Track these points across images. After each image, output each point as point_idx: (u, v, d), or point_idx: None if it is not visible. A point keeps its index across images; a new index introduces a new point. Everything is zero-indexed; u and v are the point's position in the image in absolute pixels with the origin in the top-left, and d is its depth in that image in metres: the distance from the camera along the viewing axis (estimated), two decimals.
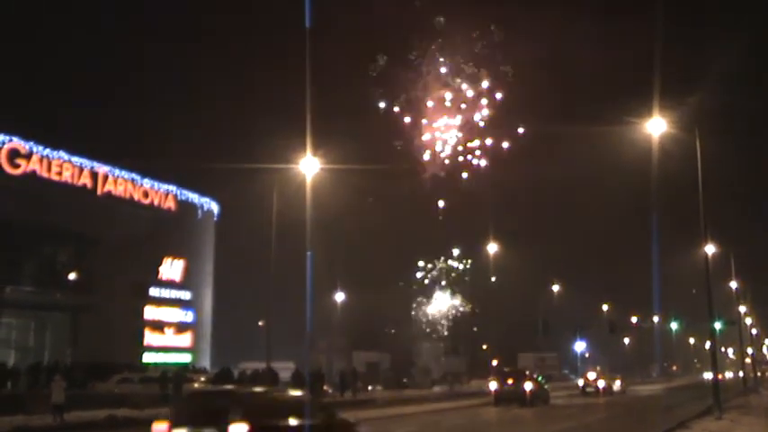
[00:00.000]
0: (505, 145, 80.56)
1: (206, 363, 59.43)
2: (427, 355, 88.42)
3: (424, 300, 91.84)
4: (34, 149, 47.53)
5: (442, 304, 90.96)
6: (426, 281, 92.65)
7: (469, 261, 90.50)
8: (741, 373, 79.41)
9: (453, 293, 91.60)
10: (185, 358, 57.65)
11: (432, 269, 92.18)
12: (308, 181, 39.52)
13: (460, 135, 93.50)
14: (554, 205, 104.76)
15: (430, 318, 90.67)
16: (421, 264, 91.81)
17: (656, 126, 30.15)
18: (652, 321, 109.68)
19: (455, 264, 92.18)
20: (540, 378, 47.26)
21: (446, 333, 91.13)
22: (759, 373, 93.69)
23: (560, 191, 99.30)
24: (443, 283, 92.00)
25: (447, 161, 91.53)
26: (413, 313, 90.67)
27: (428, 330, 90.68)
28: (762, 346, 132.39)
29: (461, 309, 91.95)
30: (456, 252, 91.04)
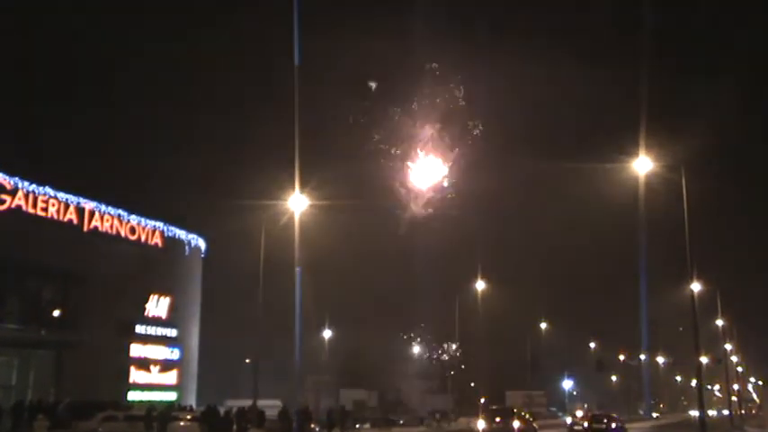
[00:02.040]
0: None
1: (192, 400, 58.78)
2: (415, 393, 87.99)
3: (411, 341, 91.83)
4: (19, 185, 47.24)
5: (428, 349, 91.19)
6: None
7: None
8: (726, 411, 79.35)
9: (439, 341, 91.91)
10: (171, 396, 57.02)
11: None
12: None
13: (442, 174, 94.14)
14: (541, 243, 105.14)
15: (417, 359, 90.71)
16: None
17: (642, 165, 30.51)
18: (639, 359, 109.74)
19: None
20: (527, 415, 47.07)
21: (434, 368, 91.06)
22: (744, 411, 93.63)
23: (547, 228, 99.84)
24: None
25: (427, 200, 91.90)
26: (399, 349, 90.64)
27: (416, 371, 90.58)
28: (747, 384, 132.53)
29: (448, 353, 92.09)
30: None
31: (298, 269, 46.08)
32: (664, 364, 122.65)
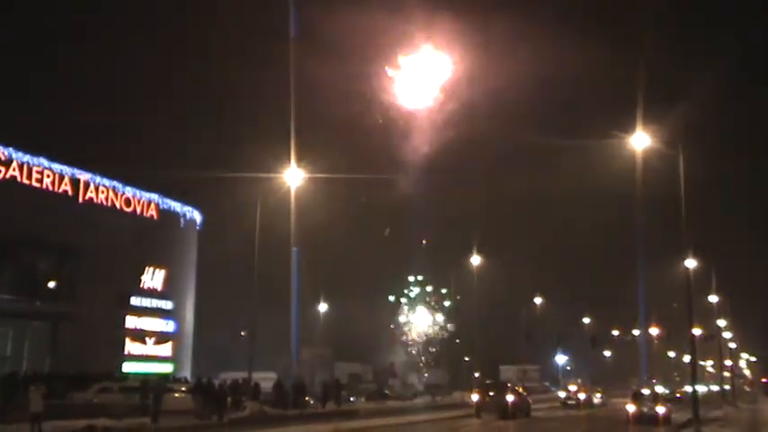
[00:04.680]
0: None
1: (187, 372, 58.95)
2: (409, 367, 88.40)
3: (406, 314, 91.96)
4: (14, 156, 46.98)
5: (423, 323, 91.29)
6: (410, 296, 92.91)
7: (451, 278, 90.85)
8: (716, 387, 79.61)
9: (434, 311, 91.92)
10: (166, 368, 57.23)
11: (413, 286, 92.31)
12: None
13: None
14: (537, 218, 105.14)
15: (410, 339, 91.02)
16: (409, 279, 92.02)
17: (639, 141, 30.41)
18: (633, 334, 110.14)
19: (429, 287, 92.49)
20: (521, 390, 47.27)
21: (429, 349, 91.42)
22: (729, 386, 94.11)
23: (543, 204, 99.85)
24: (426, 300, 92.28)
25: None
26: (393, 326, 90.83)
27: (410, 346, 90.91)
28: (740, 360, 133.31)
29: (444, 329, 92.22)
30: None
31: (294, 250, 46.15)
32: (656, 338, 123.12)
